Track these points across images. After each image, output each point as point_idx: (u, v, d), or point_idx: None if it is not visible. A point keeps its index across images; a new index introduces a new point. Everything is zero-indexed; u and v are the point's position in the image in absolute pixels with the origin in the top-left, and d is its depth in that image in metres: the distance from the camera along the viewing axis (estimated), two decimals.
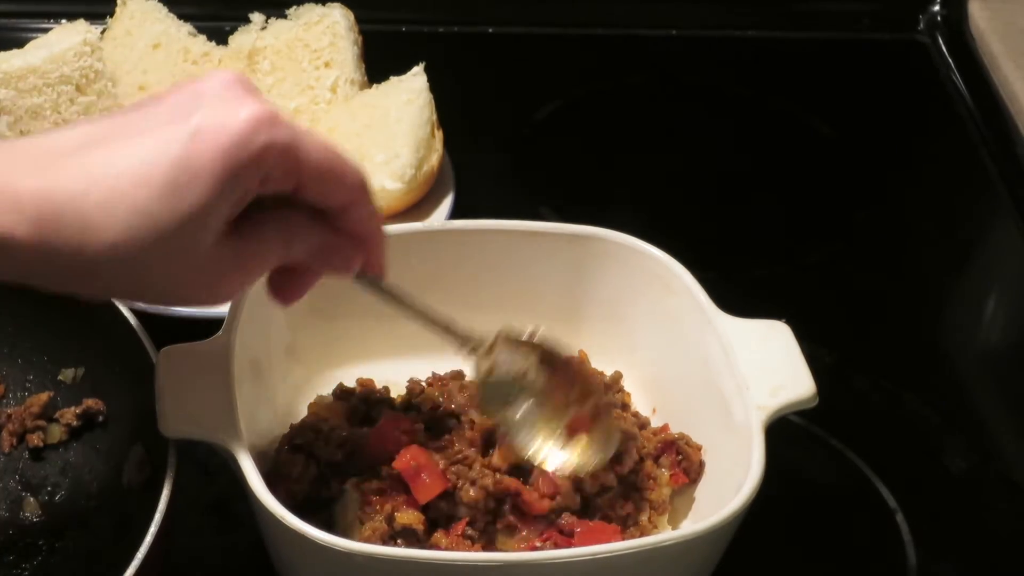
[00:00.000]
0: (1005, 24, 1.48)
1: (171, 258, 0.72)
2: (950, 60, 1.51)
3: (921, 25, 1.55)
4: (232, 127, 0.71)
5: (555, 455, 0.88)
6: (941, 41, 1.53)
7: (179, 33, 1.30)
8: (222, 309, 0.92)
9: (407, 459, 0.87)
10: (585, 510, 0.90)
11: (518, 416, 0.89)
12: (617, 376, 0.97)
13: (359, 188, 0.78)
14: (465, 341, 0.88)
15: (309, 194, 0.76)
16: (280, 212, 0.76)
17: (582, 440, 0.89)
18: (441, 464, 0.88)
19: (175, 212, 0.71)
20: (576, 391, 0.90)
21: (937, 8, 1.55)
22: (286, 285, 0.82)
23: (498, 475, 0.88)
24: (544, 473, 0.88)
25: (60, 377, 0.98)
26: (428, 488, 0.87)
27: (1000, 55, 1.45)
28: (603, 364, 0.99)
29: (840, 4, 1.57)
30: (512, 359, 0.89)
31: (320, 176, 0.75)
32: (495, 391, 0.89)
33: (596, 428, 0.89)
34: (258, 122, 0.71)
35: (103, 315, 0.92)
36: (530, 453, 0.88)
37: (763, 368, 0.90)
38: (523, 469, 0.89)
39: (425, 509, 0.87)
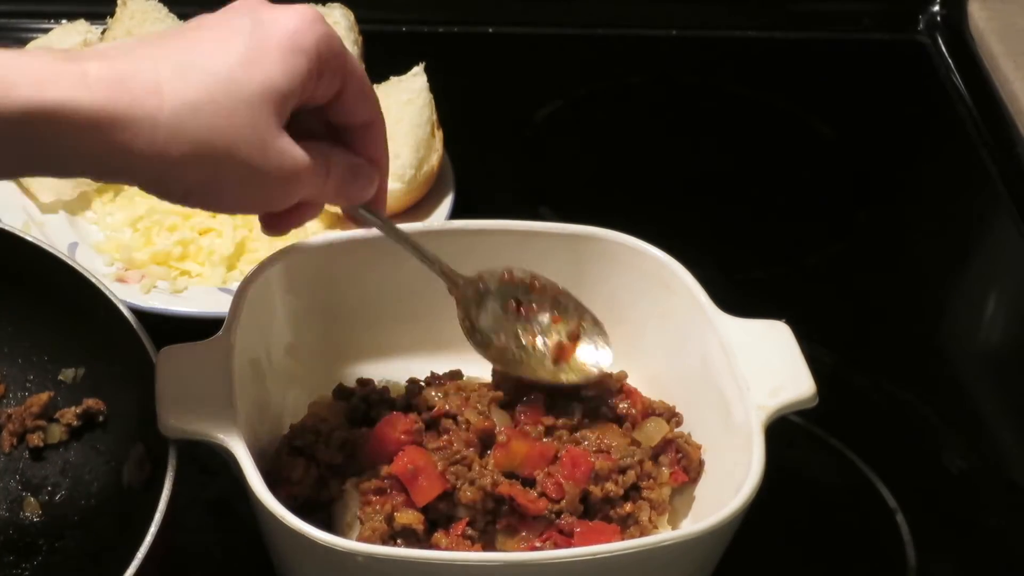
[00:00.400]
0: (1005, 24, 1.48)
1: (239, 132, 0.74)
2: (950, 60, 1.51)
3: (921, 25, 1.55)
4: (292, 17, 0.77)
5: (547, 369, 0.92)
6: (941, 41, 1.53)
7: None
8: (222, 309, 0.92)
9: (404, 462, 0.87)
10: (585, 510, 0.90)
11: (505, 342, 0.93)
12: (622, 375, 0.97)
13: (379, 107, 0.84)
14: (451, 278, 0.92)
15: (347, 101, 0.81)
16: (314, 141, 0.80)
17: (570, 357, 0.93)
18: (440, 465, 0.88)
19: (252, 79, 0.74)
20: (555, 314, 0.94)
21: (937, 8, 1.55)
22: (283, 217, 0.84)
23: (495, 477, 0.88)
24: (551, 476, 0.88)
25: (60, 377, 0.98)
26: (426, 491, 0.87)
27: (1000, 55, 1.45)
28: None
29: (840, 4, 1.57)
30: (494, 292, 0.93)
31: (360, 81, 0.81)
32: (482, 324, 0.92)
33: (581, 345, 0.94)
34: (313, 17, 0.78)
35: (103, 315, 0.92)
36: (522, 371, 0.92)
37: (763, 368, 0.90)
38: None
39: (425, 510, 0.87)
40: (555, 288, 0.95)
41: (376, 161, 0.85)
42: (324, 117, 0.83)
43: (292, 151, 0.77)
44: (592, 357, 0.94)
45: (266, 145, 0.76)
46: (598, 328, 0.95)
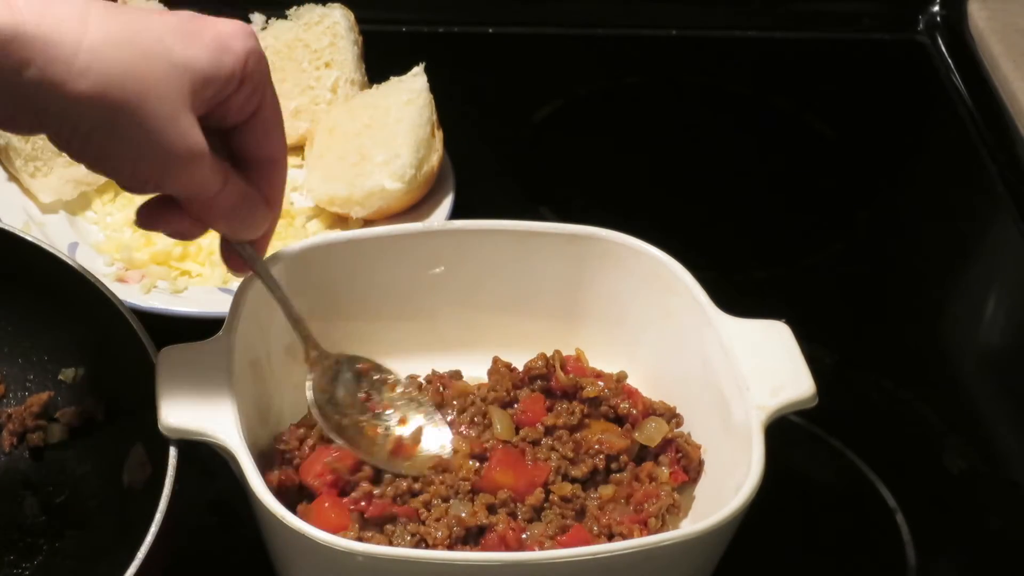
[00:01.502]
0: (1005, 24, 1.48)
1: (154, 85, 0.74)
2: (950, 60, 1.51)
3: (921, 25, 1.55)
4: (229, 23, 0.78)
5: (381, 458, 0.91)
6: (941, 41, 1.53)
7: None
8: (222, 309, 0.92)
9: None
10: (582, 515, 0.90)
11: (347, 424, 0.92)
12: (622, 375, 0.98)
13: (285, 150, 0.84)
14: (312, 344, 0.92)
15: (258, 129, 0.81)
16: (218, 157, 0.80)
17: (412, 455, 0.92)
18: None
19: (180, 50, 0.76)
20: (402, 417, 0.94)
21: (937, 8, 1.55)
22: (161, 213, 0.83)
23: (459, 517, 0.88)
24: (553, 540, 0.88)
25: (60, 377, 0.98)
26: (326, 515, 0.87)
27: (1000, 55, 1.45)
28: (603, 364, 0.99)
29: (840, 4, 1.57)
30: (348, 381, 0.93)
31: (275, 113, 0.81)
32: (328, 403, 0.91)
33: (424, 438, 0.93)
34: (250, 32, 0.79)
35: (103, 315, 0.92)
36: (357, 452, 0.90)
37: (763, 368, 0.90)
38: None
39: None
40: (408, 390, 0.95)
41: (271, 201, 0.84)
42: (229, 145, 0.82)
43: (198, 134, 0.77)
44: (435, 442, 0.93)
45: (176, 113, 0.75)
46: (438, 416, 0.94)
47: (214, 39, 0.77)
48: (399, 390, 0.94)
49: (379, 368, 0.95)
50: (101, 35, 0.73)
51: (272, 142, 0.82)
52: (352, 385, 0.93)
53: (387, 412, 0.93)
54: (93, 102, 0.73)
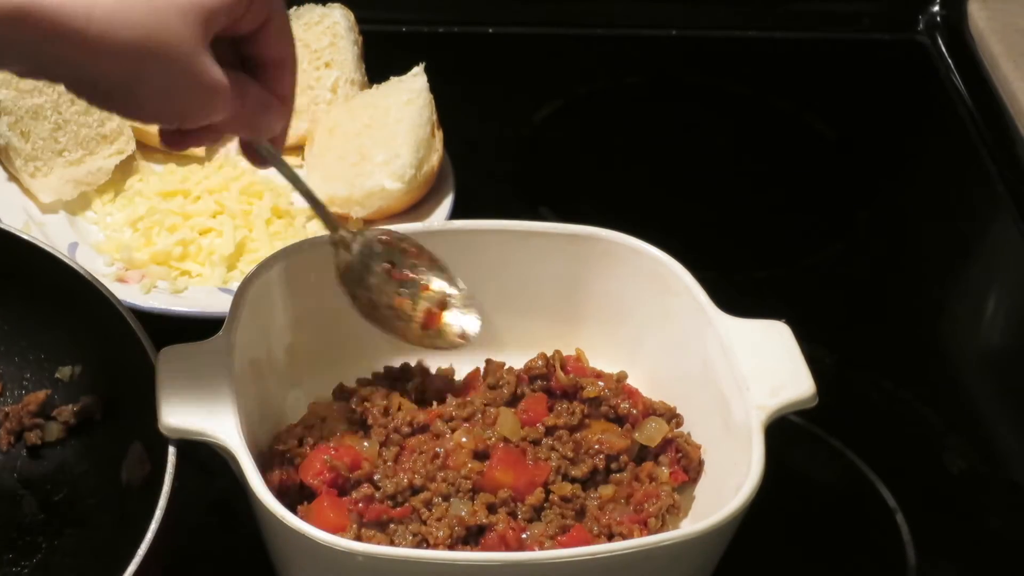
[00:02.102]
0: (1005, 24, 1.48)
1: (169, 36, 0.75)
2: (950, 60, 1.51)
3: (921, 25, 1.55)
4: None
5: (414, 332, 0.93)
6: (941, 41, 1.53)
7: None
8: (222, 309, 0.92)
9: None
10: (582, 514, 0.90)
11: (376, 298, 0.93)
12: (622, 375, 0.98)
13: (294, 47, 0.85)
14: (333, 224, 0.93)
15: (270, 35, 0.82)
16: (231, 70, 0.80)
17: (439, 324, 0.95)
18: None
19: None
20: (424, 283, 0.95)
21: (937, 8, 1.55)
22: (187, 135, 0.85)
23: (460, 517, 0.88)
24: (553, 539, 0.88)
25: (57, 375, 0.98)
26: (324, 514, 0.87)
27: (1000, 55, 1.45)
28: (603, 364, 0.99)
29: (840, 4, 1.57)
30: (371, 249, 0.94)
31: (283, 17, 0.82)
32: (355, 276, 0.93)
33: (448, 313, 0.95)
34: None
35: (102, 314, 0.92)
36: (390, 329, 0.92)
37: (763, 368, 0.90)
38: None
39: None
40: (430, 256, 0.95)
41: (285, 99, 0.85)
42: (240, 50, 0.83)
43: (215, 68, 0.78)
44: (459, 324, 0.95)
45: (193, 58, 0.76)
46: (470, 299, 0.96)
47: None
48: (415, 250, 0.95)
49: (401, 237, 0.95)
50: (111, 2, 0.73)
51: (283, 45, 0.83)
52: (376, 259, 0.94)
53: (410, 281, 0.94)
54: (113, 61, 0.74)
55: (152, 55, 0.75)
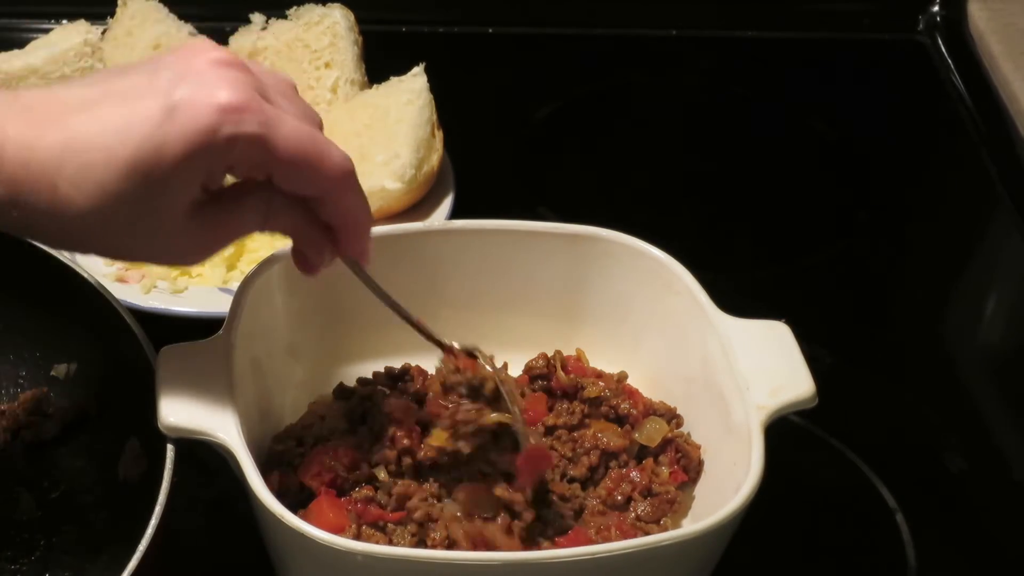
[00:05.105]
0: (1005, 24, 1.48)
1: (136, 229, 0.76)
2: (950, 60, 1.51)
3: (921, 25, 1.55)
4: (202, 113, 0.73)
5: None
6: (941, 41, 1.53)
7: (180, 34, 1.30)
8: (222, 309, 0.92)
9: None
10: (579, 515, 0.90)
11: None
12: (622, 375, 0.98)
13: (339, 179, 0.79)
14: (436, 342, 0.89)
15: (282, 183, 0.78)
16: (264, 190, 0.78)
17: None
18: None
19: (136, 190, 0.73)
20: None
21: (937, 8, 1.55)
22: (303, 260, 0.85)
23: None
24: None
25: (53, 373, 0.98)
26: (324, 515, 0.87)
27: (1000, 55, 1.45)
28: (603, 364, 0.99)
29: (840, 4, 1.57)
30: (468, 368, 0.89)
31: (291, 168, 0.77)
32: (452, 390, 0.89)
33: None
34: (227, 111, 0.73)
35: (95, 310, 0.92)
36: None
37: (763, 368, 0.90)
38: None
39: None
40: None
41: (340, 226, 0.82)
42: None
43: (206, 226, 0.77)
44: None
45: (171, 234, 0.77)
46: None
47: (185, 148, 0.73)
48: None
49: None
50: (78, 208, 0.74)
51: (307, 185, 0.78)
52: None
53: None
54: (92, 246, 0.79)
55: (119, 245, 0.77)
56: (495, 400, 0.87)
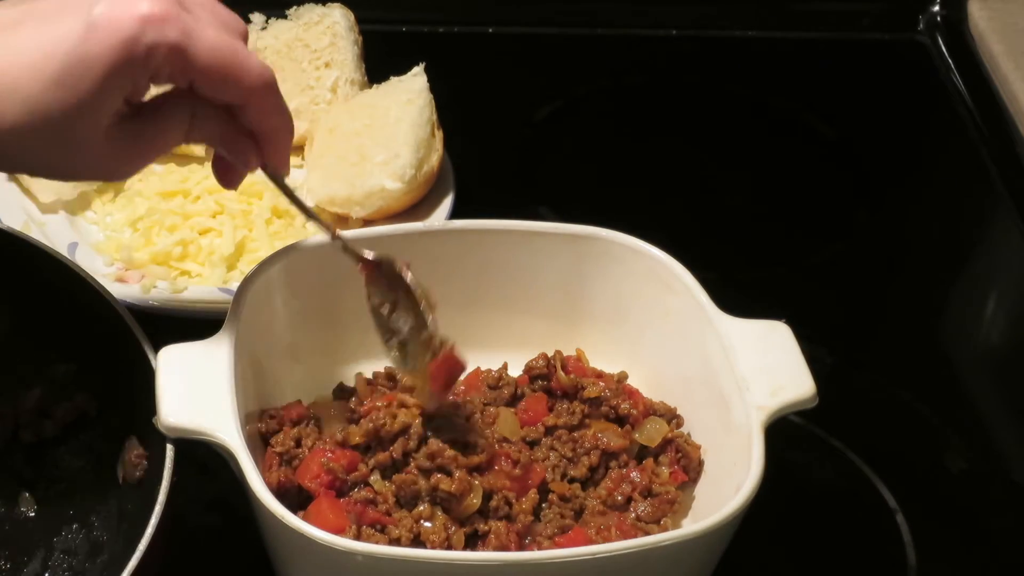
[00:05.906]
0: (1005, 24, 1.48)
1: (66, 141, 0.77)
2: (950, 60, 1.51)
3: (921, 25, 1.55)
4: (123, 25, 0.74)
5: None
6: (941, 41, 1.53)
7: None
8: (222, 309, 0.92)
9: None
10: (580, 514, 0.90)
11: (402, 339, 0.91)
12: (623, 376, 0.98)
13: (259, 88, 0.81)
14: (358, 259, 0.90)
15: (204, 91, 0.79)
16: (186, 99, 0.80)
17: None
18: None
19: (63, 103, 0.75)
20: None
21: (937, 8, 1.55)
22: (225, 170, 0.87)
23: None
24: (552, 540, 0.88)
25: (52, 373, 0.98)
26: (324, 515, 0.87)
27: (1000, 55, 1.45)
28: (603, 364, 0.99)
29: (840, 4, 1.57)
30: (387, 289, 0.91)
31: (212, 76, 0.79)
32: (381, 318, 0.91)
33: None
34: (148, 21, 0.75)
35: (99, 313, 0.92)
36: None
37: (763, 368, 0.90)
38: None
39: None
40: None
41: (261, 134, 0.83)
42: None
43: (129, 138, 0.79)
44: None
45: (96, 147, 0.78)
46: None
47: (104, 66, 0.75)
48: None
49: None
50: (7, 122, 0.75)
51: (226, 92, 0.80)
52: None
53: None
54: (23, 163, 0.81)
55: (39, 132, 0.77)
56: (411, 305, 0.89)
